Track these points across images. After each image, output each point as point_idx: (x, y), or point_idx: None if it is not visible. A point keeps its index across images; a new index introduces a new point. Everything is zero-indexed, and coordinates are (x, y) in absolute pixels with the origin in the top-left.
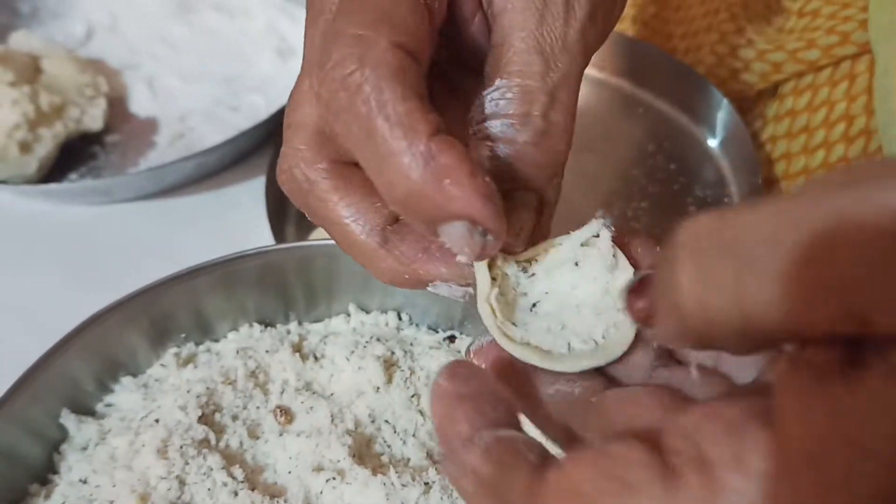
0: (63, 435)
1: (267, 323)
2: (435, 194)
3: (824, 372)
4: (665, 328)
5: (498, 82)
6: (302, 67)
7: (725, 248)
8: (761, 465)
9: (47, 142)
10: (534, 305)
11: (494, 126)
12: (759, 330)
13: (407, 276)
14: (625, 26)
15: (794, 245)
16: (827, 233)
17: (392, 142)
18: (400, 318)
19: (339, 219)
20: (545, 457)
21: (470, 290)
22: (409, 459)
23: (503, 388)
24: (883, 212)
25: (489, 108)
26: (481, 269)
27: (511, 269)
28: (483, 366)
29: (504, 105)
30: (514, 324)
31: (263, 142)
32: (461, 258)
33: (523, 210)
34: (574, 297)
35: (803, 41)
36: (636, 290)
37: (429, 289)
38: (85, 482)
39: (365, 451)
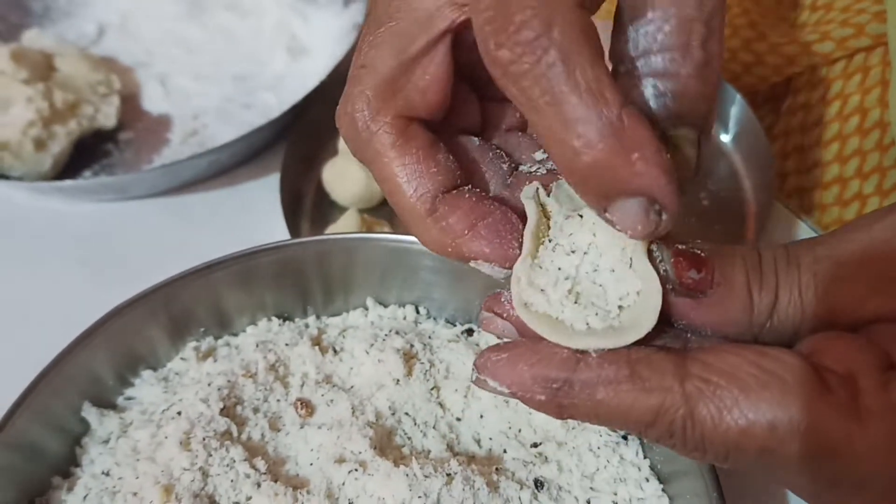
0: (85, 428)
1: (285, 317)
2: (622, 167)
3: None
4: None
5: (650, 14)
6: (375, 7)
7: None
8: None
9: (61, 139)
10: (559, 269)
11: (655, 61)
12: None
13: (450, 249)
14: None
15: None
16: None
17: (582, 109)
18: (418, 312)
19: (392, 176)
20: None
21: (510, 272)
22: (429, 451)
23: None
24: None
25: (644, 42)
26: (527, 235)
27: (555, 230)
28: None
29: (662, 38)
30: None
31: (276, 139)
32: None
33: (687, 146)
34: (595, 256)
35: (817, 34)
36: (689, 259)
37: (470, 265)
38: (108, 474)
39: (386, 443)
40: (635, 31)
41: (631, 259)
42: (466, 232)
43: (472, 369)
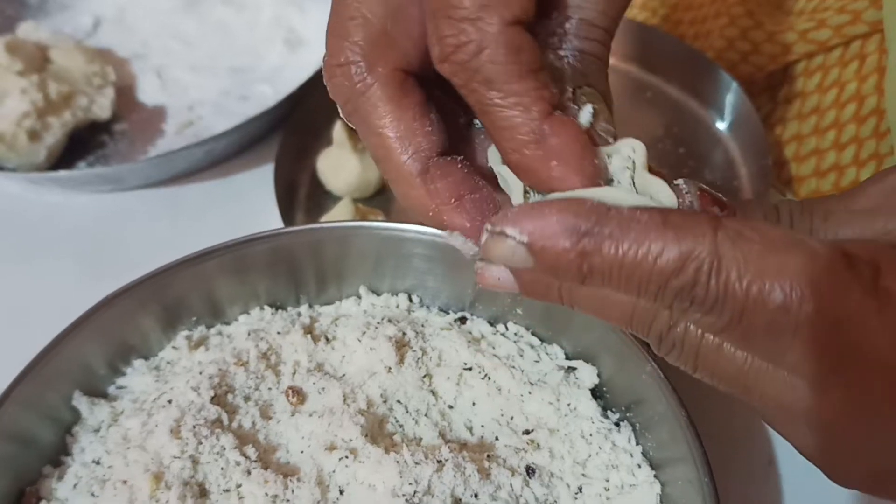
0: (75, 417)
1: (278, 306)
2: (542, 171)
3: None
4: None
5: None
6: None
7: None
8: None
9: (56, 130)
10: None
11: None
12: None
13: (431, 214)
14: (633, 13)
15: None
16: None
17: (508, 121)
18: (411, 300)
19: (385, 131)
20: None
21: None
22: (421, 439)
23: None
24: None
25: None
26: (516, 192)
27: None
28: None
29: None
30: None
31: (272, 129)
32: None
33: (595, 100)
34: None
35: (814, 21)
36: (713, 197)
37: (444, 234)
38: (98, 463)
39: (377, 431)
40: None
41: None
42: (453, 201)
43: (480, 240)
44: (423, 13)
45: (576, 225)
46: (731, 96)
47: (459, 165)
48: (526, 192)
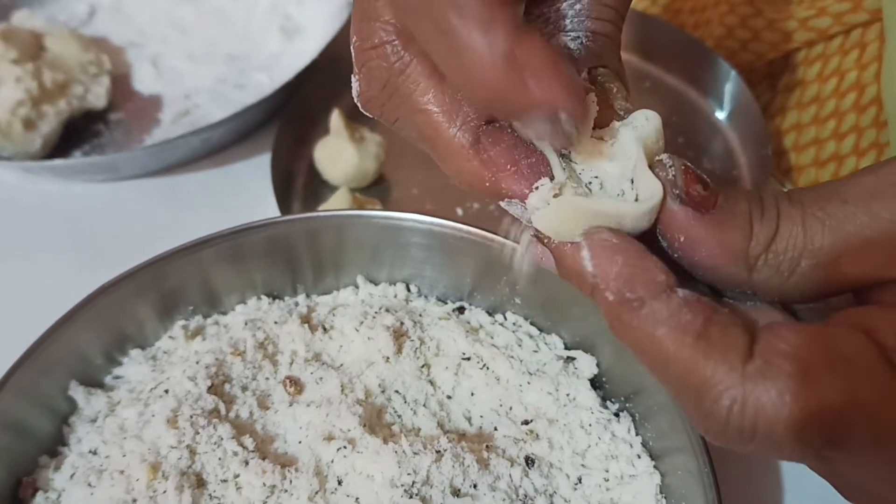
0: (72, 407)
1: (275, 296)
2: (517, 91)
3: None
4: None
5: None
6: None
7: None
8: None
9: (51, 119)
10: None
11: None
12: None
13: (488, 184)
14: (634, 2)
15: None
16: None
17: (470, 40)
18: (409, 290)
19: (430, 107)
20: (753, 322)
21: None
22: (419, 429)
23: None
24: None
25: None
26: (554, 165)
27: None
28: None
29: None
30: None
31: (269, 118)
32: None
33: (610, 80)
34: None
35: (814, 9)
36: (697, 176)
37: (501, 204)
38: (95, 453)
39: (376, 421)
40: None
41: (633, 180)
42: (509, 167)
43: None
44: None
45: (630, 285)
46: (731, 85)
47: (509, 130)
48: (562, 162)
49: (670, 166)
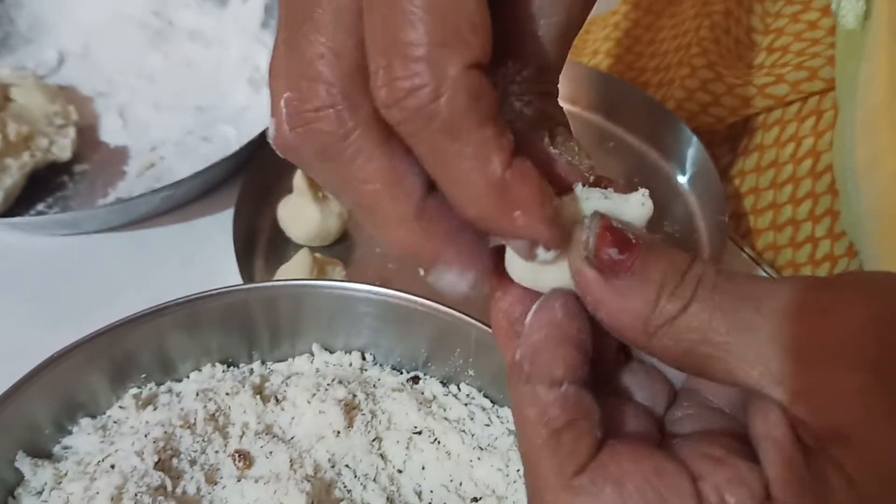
0: (19, 478)
1: (230, 362)
2: (504, 220)
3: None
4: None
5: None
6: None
7: None
8: None
9: (13, 172)
10: None
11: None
12: None
13: (427, 255)
14: (598, 60)
15: None
16: None
17: (466, 172)
18: (364, 358)
19: (373, 178)
20: (605, 439)
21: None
22: None
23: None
24: None
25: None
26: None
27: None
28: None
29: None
30: None
31: (233, 173)
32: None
33: (569, 138)
34: None
35: (772, 76)
36: (618, 237)
37: (430, 275)
38: None
39: (325, 497)
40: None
41: None
42: (451, 240)
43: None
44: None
45: (531, 362)
46: (692, 150)
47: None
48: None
49: (587, 226)
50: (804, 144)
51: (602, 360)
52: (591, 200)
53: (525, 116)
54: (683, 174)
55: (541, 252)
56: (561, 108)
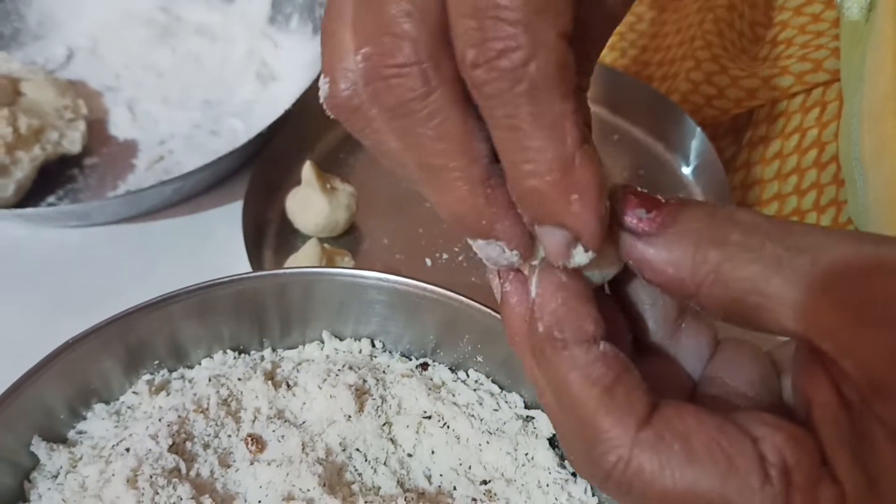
0: (34, 462)
1: (241, 350)
2: (559, 201)
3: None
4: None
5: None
6: None
7: None
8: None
9: (25, 165)
10: None
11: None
12: None
13: (484, 222)
14: (603, 53)
15: None
16: None
17: (539, 141)
18: (373, 346)
19: (448, 135)
20: (655, 397)
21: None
22: (379, 488)
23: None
24: None
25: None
26: None
27: None
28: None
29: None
30: None
31: (242, 166)
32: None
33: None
34: None
35: (777, 68)
36: (642, 198)
37: (478, 243)
38: None
39: (336, 480)
40: None
41: None
42: (509, 211)
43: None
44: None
45: (557, 323)
46: (696, 141)
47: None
48: None
49: (613, 198)
50: (809, 135)
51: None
52: None
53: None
54: (688, 166)
55: (578, 252)
56: (589, 108)
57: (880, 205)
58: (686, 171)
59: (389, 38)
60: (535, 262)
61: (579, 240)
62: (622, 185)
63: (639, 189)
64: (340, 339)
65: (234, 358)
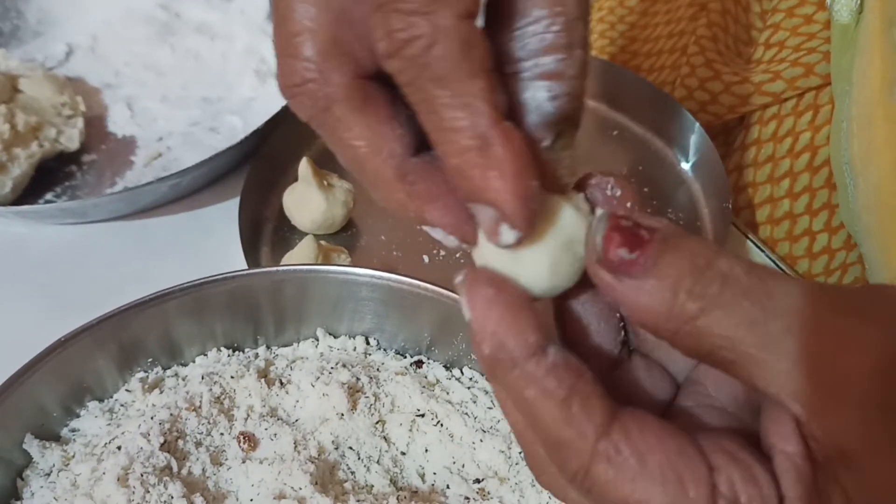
0: (27, 460)
1: (235, 347)
2: (479, 179)
3: None
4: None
5: (536, 13)
6: None
7: None
8: None
9: (22, 162)
10: None
11: (545, 62)
12: None
13: (412, 214)
14: (592, 39)
15: None
16: None
17: (453, 121)
18: (368, 343)
19: (355, 142)
20: (614, 403)
21: (464, 245)
22: (372, 486)
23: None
24: None
25: (531, 43)
26: None
27: None
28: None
29: (551, 38)
30: None
31: (240, 163)
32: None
33: (569, 148)
34: None
35: (769, 73)
36: (628, 236)
37: (425, 228)
38: None
39: (328, 478)
40: (521, 30)
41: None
42: (436, 200)
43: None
44: (367, 10)
45: (501, 344)
46: (695, 137)
47: (438, 163)
48: None
49: (595, 228)
50: (801, 139)
51: (601, 355)
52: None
53: (543, 110)
54: (687, 161)
55: (504, 231)
56: (582, 108)
57: (868, 211)
58: (685, 166)
59: (288, 59)
60: (458, 280)
61: (503, 218)
62: (608, 214)
63: (622, 221)
64: (335, 337)
65: (229, 356)
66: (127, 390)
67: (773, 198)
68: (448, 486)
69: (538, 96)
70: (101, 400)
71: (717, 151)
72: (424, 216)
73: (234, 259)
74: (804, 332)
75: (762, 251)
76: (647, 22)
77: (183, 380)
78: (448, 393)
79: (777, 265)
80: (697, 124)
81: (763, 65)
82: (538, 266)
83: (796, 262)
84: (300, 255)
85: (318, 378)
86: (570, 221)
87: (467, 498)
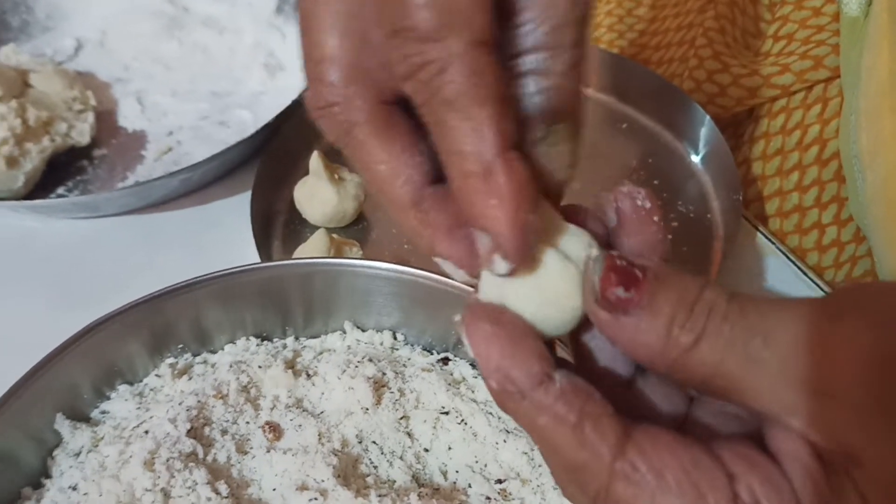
0: (57, 440)
1: (264, 337)
2: (479, 205)
3: None
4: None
5: (528, 15)
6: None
7: None
8: None
9: (34, 157)
10: None
11: (532, 60)
12: None
13: (423, 241)
14: (600, 33)
15: None
16: None
17: (462, 145)
18: (395, 338)
19: (375, 166)
20: (625, 421)
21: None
22: (394, 481)
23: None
24: None
25: (521, 41)
26: None
27: None
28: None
29: (538, 38)
30: None
31: (250, 157)
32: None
33: (566, 140)
34: None
35: (778, 66)
36: (623, 275)
37: (435, 259)
38: (74, 489)
39: (351, 472)
40: (513, 29)
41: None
42: (446, 232)
43: (462, 313)
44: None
45: (509, 377)
46: (705, 130)
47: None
48: None
49: (592, 268)
50: (810, 132)
51: (615, 376)
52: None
53: (534, 101)
54: (697, 154)
55: (497, 261)
56: (580, 100)
57: (877, 203)
58: (695, 158)
59: (313, 84)
60: (457, 319)
61: (496, 247)
62: (605, 253)
63: (618, 261)
64: (363, 331)
65: (257, 345)
66: (157, 375)
67: (782, 191)
68: (470, 485)
69: (527, 90)
70: (131, 383)
71: (727, 144)
72: (434, 247)
73: (245, 253)
74: (782, 344)
75: (773, 243)
76: (655, 15)
77: (212, 367)
78: (473, 391)
79: (787, 258)
80: (707, 117)
81: (772, 57)
82: (538, 302)
83: (806, 254)
84: (312, 249)
85: (345, 371)
86: (568, 266)
87: (489, 498)
